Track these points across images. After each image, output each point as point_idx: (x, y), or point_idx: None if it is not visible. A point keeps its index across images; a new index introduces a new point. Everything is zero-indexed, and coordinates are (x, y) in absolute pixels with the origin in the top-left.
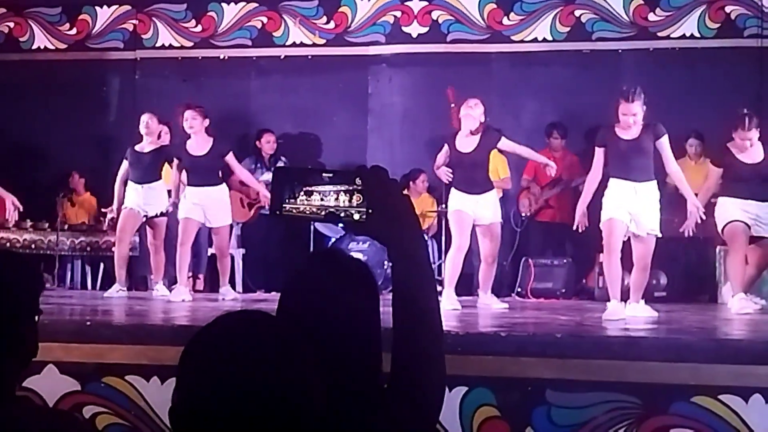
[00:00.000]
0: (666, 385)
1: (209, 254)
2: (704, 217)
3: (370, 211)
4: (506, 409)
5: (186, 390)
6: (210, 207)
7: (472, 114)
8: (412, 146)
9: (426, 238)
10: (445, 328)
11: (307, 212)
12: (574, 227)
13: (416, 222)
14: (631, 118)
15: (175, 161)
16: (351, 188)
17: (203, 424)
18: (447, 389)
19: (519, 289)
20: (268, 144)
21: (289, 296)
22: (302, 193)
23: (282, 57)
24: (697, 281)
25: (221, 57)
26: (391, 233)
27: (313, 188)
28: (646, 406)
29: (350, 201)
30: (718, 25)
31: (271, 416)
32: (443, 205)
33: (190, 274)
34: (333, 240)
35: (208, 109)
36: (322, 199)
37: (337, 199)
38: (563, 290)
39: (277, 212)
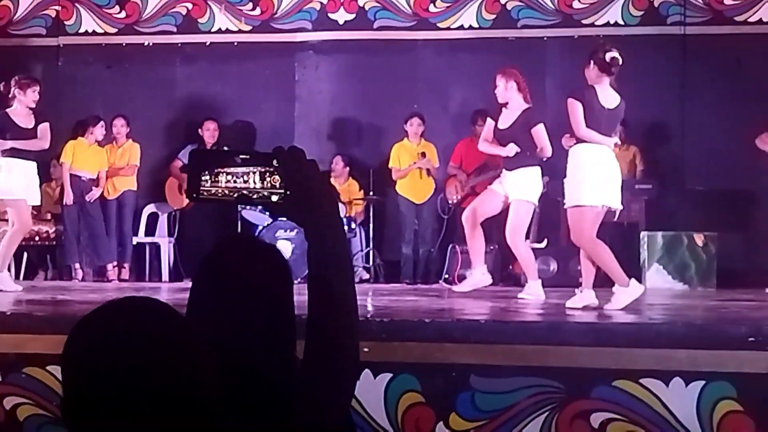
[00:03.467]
0: (588, 369)
1: (134, 243)
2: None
3: (287, 192)
4: (430, 395)
5: (69, 379)
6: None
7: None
8: (339, 133)
9: (355, 224)
10: (371, 315)
11: (222, 195)
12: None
13: (334, 204)
14: None
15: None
16: (268, 170)
17: (88, 414)
18: (372, 376)
19: (446, 276)
20: (208, 132)
21: (200, 282)
22: (218, 175)
23: (208, 44)
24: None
25: (146, 44)
26: (308, 215)
27: (230, 170)
28: (568, 390)
29: (268, 182)
30: (641, 13)
31: (156, 404)
32: (371, 192)
33: (115, 263)
34: (260, 228)
35: (133, 96)
36: (236, 181)
37: (253, 180)
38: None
39: (194, 195)
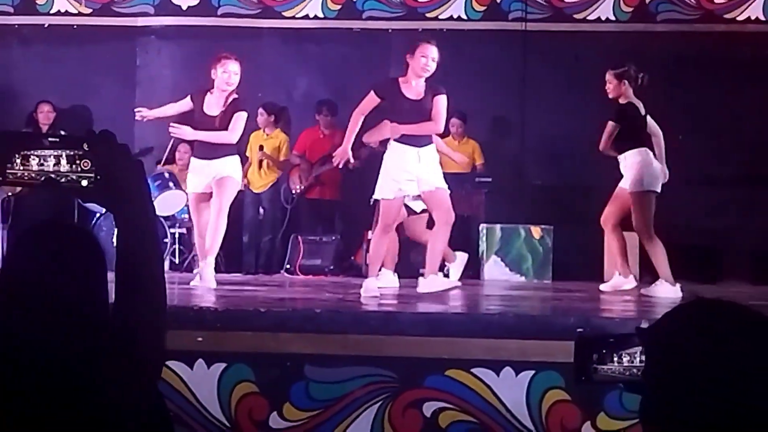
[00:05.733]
0: (421, 358)
1: None
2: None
3: (97, 177)
4: (265, 385)
5: None
6: None
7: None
8: (181, 120)
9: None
10: (206, 304)
11: (28, 178)
12: (335, 163)
13: (145, 189)
14: (431, 61)
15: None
16: (78, 153)
17: None
18: (206, 366)
19: (288, 266)
20: (42, 114)
21: (7, 268)
22: (26, 158)
23: (46, 26)
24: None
25: None
26: (117, 201)
27: (38, 153)
28: (401, 380)
29: (77, 166)
30: (484, 8)
31: None
32: None
33: None
34: (98, 215)
35: None
36: (43, 164)
37: (62, 164)
38: (331, 267)
39: (0, 178)
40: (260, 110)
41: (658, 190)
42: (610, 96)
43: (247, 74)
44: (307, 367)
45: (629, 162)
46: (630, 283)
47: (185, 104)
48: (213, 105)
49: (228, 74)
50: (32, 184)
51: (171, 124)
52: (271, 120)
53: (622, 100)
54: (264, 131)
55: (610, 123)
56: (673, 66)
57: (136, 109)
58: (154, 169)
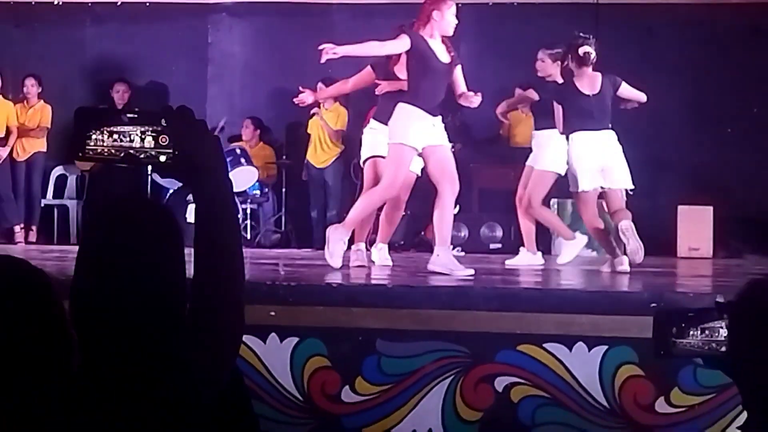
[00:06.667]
0: (492, 333)
1: (43, 205)
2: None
3: (176, 152)
4: (337, 359)
5: None
6: None
7: None
8: (252, 96)
9: (267, 189)
10: (279, 280)
11: (108, 154)
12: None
13: (222, 164)
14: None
15: None
16: (156, 129)
17: None
18: (278, 340)
19: None
20: (117, 94)
21: (88, 244)
22: (105, 134)
23: (119, 4)
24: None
25: (55, 2)
26: (195, 175)
27: (117, 129)
28: (473, 355)
29: (156, 142)
30: None
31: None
32: (284, 156)
33: (22, 225)
34: (171, 191)
35: (42, 56)
36: (122, 140)
37: (141, 140)
38: (402, 242)
39: (80, 154)
40: (319, 84)
41: (562, 173)
42: (539, 74)
43: (317, 50)
44: (378, 341)
45: (540, 141)
46: (538, 259)
47: (402, 43)
48: (442, 52)
49: (452, 19)
50: (112, 160)
51: None
52: None
53: (549, 80)
54: (323, 105)
55: (531, 91)
56: (748, 37)
57: (320, 47)
58: (226, 146)
